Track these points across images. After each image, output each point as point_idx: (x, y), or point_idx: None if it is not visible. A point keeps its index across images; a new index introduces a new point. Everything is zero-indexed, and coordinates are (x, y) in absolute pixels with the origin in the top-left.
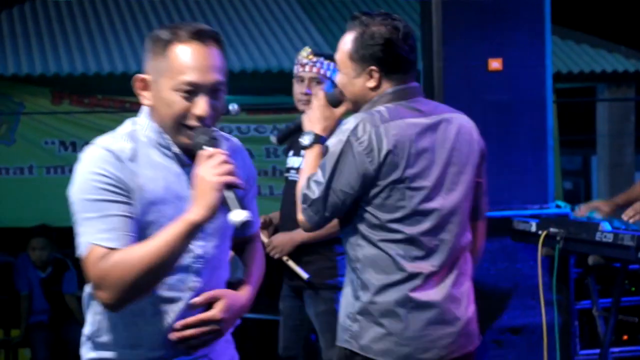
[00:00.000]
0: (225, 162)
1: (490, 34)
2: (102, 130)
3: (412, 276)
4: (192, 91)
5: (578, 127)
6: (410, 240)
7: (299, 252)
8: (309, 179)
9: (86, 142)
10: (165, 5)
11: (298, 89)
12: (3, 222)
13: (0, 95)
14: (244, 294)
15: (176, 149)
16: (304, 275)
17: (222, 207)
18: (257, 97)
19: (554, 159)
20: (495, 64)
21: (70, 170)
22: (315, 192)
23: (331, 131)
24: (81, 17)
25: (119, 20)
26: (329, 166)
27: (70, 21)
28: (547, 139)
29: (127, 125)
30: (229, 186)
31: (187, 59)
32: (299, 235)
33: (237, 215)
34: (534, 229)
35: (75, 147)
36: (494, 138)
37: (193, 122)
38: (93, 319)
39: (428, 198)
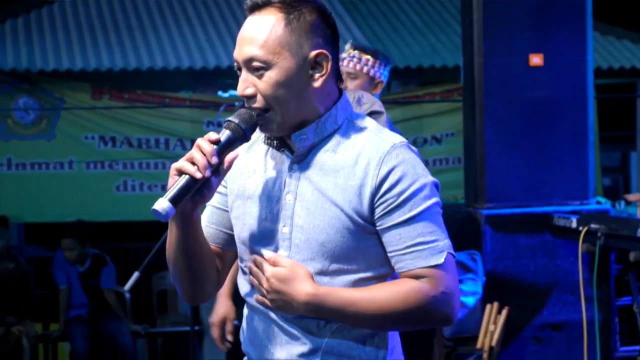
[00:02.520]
0: (199, 147)
1: (531, 29)
2: (141, 125)
3: None
4: (239, 68)
5: (617, 123)
6: None
7: None
8: None
9: (126, 137)
10: (205, 0)
11: None
12: (43, 217)
13: (41, 91)
14: (314, 287)
15: (265, 144)
16: None
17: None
18: None
19: (594, 155)
20: (536, 60)
21: (110, 166)
22: None
23: None
24: (121, 12)
25: (159, 15)
26: None
27: (110, 17)
28: (588, 135)
29: None
30: (181, 172)
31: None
32: None
33: (156, 203)
34: (574, 225)
35: (115, 142)
36: (534, 134)
37: (247, 104)
38: None
39: None
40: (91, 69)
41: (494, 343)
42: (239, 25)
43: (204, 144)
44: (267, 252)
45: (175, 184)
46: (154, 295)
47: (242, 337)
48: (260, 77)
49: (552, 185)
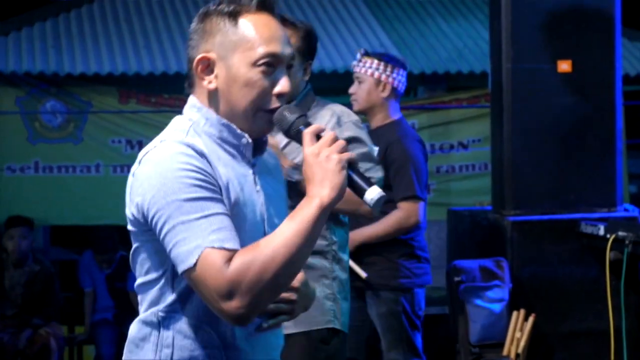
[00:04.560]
0: (337, 138)
1: (560, 35)
2: None
3: None
4: (271, 65)
5: None
6: None
7: (360, 254)
8: None
9: None
10: None
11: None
12: (69, 220)
13: (68, 94)
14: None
15: (247, 141)
16: (363, 274)
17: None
18: (324, 98)
19: (622, 162)
20: (564, 66)
21: None
22: None
23: None
24: (149, 16)
25: (187, 19)
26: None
27: (138, 20)
28: (616, 142)
29: (181, 121)
30: (350, 165)
31: (264, 29)
32: (358, 235)
33: (372, 193)
34: (602, 232)
35: (141, 146)
36: (562, 140)
37: (274, 104)
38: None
39: None
40: (118, 73)
41: (520, 350)
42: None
43: (334, 133)
44: None
45: (355, 174)
46: None
47: None
48: (291, 75)
49: (579, 192)
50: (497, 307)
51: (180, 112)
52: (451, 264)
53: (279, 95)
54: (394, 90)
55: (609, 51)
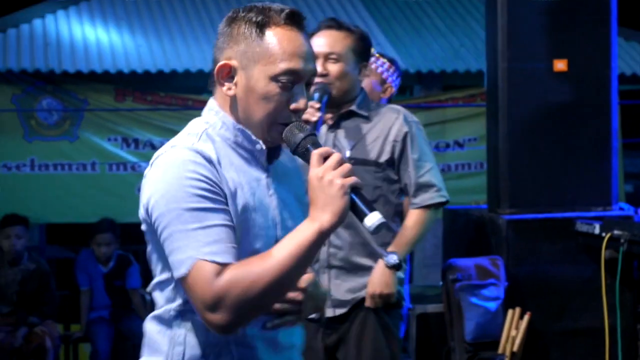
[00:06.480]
0: (343, 161)
1: (555, 35)
2: (164, 128)
3: None
4: (290, 81)
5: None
6: None
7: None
8: None
9: (149, 140)
10: (229, 3)
11: None
12: (65, 218)
13: (64, 92)
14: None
15: (261, 147)
16: None
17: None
18: None
19: (617, 162)
20: (560, 65)
21: (133, 168)
22: None
23: None
24: (147, 14)
25: (184, 17)
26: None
27: (135, 18)
28: (612, 140)
29: (197, 124)
30: (354, 189)
31: (288, 44)
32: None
33: (372, 219)
34: (597, 231)
35: (137, 144)
36: (557, 139)
37: (290, 119)
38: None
39: None
40: (115, 71)
41: (515, 348)
42: (293, 12)
43: (340, 156)
44: None
45: (359, 200)
46: None
47: None
48: (308, 91)
49: (575, 191)
50: (492, 305)
51: (175, 110)
52: (447, 263)
53: (295, 111)
54: (390, 94)
55: (605, 50)
